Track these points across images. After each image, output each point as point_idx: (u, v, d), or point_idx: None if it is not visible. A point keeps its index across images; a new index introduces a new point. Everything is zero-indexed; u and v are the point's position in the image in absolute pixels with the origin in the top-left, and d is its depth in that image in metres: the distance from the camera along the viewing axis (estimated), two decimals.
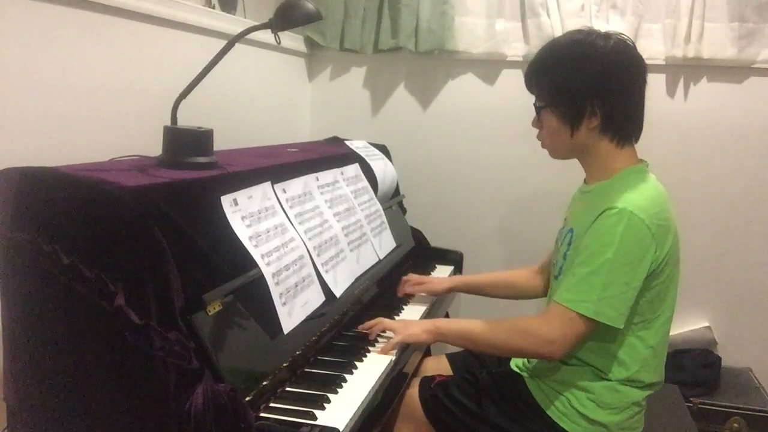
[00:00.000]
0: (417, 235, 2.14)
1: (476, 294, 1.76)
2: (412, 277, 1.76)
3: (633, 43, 1.28)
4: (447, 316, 2.01)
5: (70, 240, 0.96)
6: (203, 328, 1.00)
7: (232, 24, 1.87)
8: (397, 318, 1.57)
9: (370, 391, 1.18)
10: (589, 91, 1.24)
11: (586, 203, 1.32)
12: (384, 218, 1.83)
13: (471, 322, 1.33)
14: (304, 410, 1.07)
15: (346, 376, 1.22)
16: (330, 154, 1.78)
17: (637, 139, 1.32)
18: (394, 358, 1.32)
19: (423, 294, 1.74)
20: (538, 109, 1.33)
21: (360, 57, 2.47)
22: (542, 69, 1.31)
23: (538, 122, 1.35)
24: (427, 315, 1.65)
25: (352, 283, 1.49)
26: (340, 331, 1.42)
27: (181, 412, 0.91)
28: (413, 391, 1.44)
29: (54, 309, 1.00)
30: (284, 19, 1.28)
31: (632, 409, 1.30)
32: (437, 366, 1.61)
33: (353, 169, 1.78)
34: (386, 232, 1.82)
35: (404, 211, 2.20)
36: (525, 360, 1.45)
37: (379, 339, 1.41)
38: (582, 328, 1.19)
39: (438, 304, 1.75)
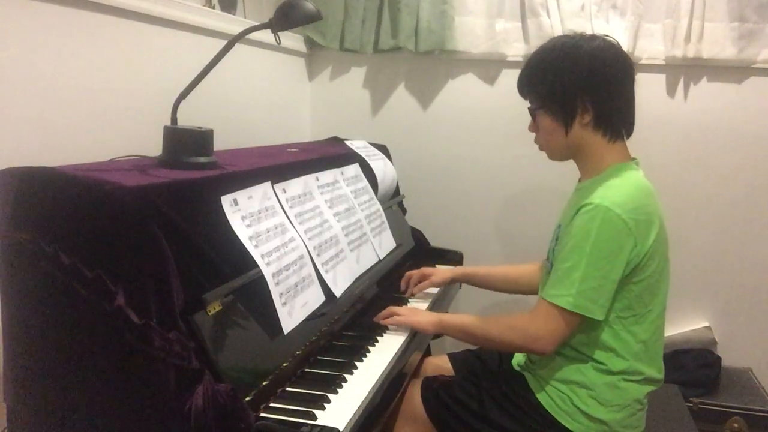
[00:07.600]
0: (417, 235, 2.14)
1: (477, 285, 1.79)
2: (414, 273, 1.77)
3: (618, 44, 1.33)
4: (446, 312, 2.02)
5: (70, 240, 0.96)
6: (203, 328, 1.00)
7: (232, 24, 1.87)
8: None
9: (370, 391, 1.18)
10: (579, 88, 1.29)
11: (574, 199, 1.36)
12: (384, 218, 1.83)
13: (470, 318, 1.40)
14: (304, 410, 1.07)
15: (346, 376, 1.22)
16: (330, 154, 1.78)
17: (628, 135, 1.36)
18: (395, 355, 1.33)
19: (426, 291, 1.76)
20: (533, 112, 1.37)
21: (360, 57, 2.46)
22: (533, 73, 1.36)
23: (533, 125, 1.39)
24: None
25: (352, 283, 1.49)
26: (340, 331, 1.42)
27: (181, 412, 0.91)
28: (414, 392, 1.45)
29: (54, 309, 1.00)
30: (284, 19, 1.28)
31: (633, 406, 1.31)
32: (438, 366, 1.62)
33: (353, 169, 1.78)
34: (386, 232, 1.82)
35: (404, 211, 2.20)
36: (526, 359, 1.47)
37: (379, 339, 1.42)
38: (566, 323, 1.24)
39: (439, 302, 1.75)
